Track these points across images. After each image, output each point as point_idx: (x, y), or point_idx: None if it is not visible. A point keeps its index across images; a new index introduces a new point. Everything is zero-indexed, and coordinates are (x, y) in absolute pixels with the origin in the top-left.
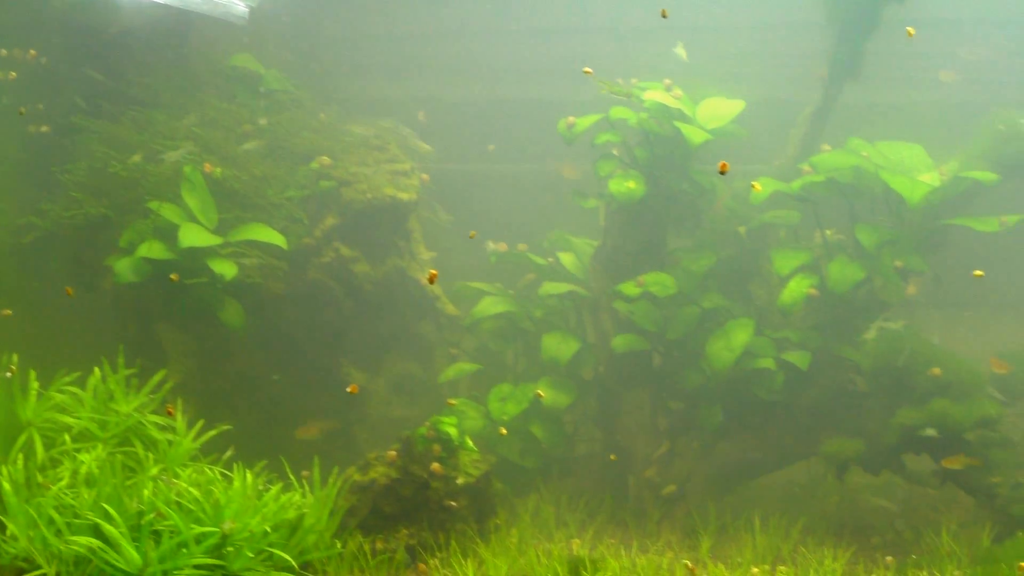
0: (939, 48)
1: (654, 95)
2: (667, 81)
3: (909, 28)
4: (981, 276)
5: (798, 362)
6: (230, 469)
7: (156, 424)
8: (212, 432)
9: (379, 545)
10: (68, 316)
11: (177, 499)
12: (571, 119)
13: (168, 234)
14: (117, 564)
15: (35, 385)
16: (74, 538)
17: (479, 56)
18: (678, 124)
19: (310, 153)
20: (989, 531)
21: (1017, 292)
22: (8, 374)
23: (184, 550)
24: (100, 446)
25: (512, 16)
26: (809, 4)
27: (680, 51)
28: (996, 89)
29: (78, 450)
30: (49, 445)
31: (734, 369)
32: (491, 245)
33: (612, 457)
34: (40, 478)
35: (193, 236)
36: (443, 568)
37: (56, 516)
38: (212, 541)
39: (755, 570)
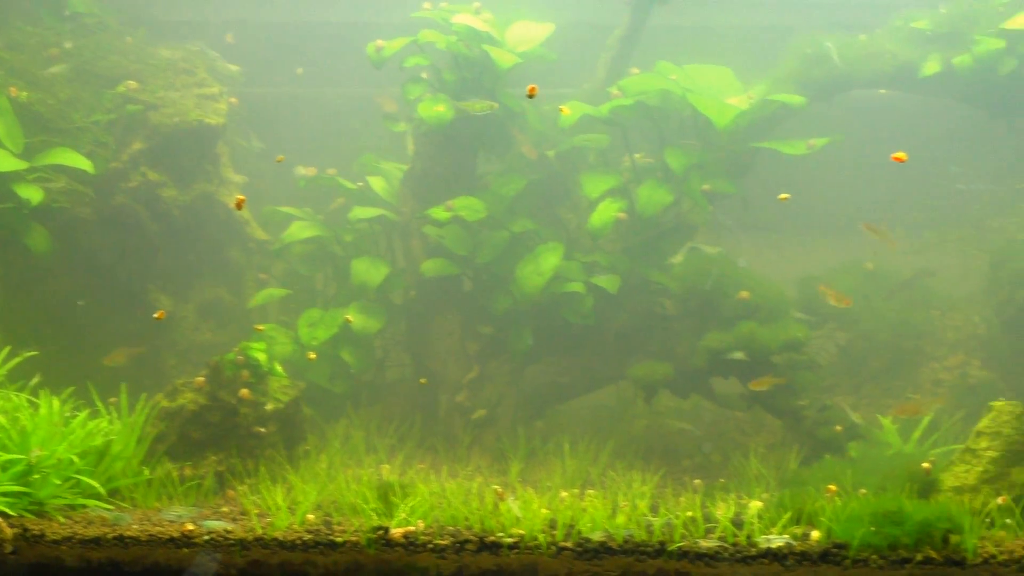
0: None
1: (463, 18)
2: (476, 4)
3: None
4: (787, 199)
5: (607, 286)
6: (36, 396)
7: None
8: (17, 359)
9: (188, 471)
10: None
11: None
12: (380, 42)
13: None
14: None
15: None
16: None
17: None
18: (487, 48)
19: (117, 77)
20: (796, 454)
21: (823, 215)
22: None
23: None
24: None
25: None
26: None
27: None
28: (805, 11)
29: None
30: None
31: (544, 293)
32: (300, 169)
33: (422, 381)
34: None
35: None
36: (252, 494)
37: None
38: (18, 468)
39: (564, 494)
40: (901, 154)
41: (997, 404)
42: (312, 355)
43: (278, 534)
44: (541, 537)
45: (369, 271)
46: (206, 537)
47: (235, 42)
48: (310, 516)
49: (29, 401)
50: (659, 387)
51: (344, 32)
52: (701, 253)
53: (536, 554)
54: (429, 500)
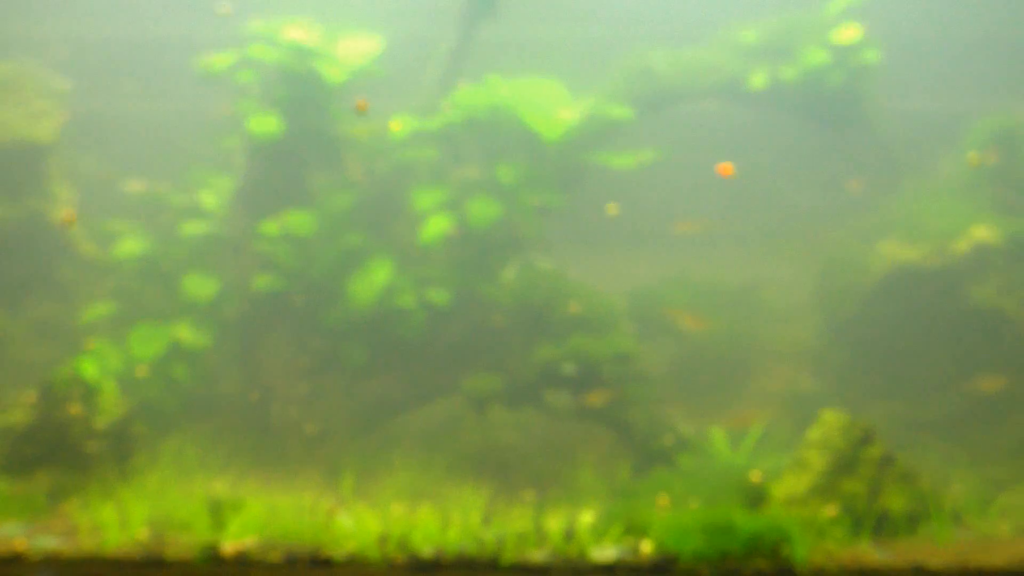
0: None
1: (293, 34)
2: (306, 20)
3: None
4: (616, 212)
5: (439, 299)
6: None
7: None
8: None
9: (19, 488)
10: None
11: None
12: (210, 58)
13: None
14: None
15: None
16: None
17: None
18: (316, 63)
19: None
20: (627, 465)
21: (654, 227)
22: None
23: None
24: None
25: None
26: None
27: None
28: (635, 24)
29: None
30: None
31: (375, 307)
32: (132, 185)
33: (254, 396)
34: None
35: None
36: (84, 511)
37: None
38: None
39: (397, 508)
40: (727, 166)
41: (826, 415)
42: (144, 371)
43: (109, 551)
44: (374, 552)
45: (200, 287)
46: (38, 556)
47: (69, 57)
48: (142, 532)
49: None
50: (491, 400)
51: (177, 48)
52: (532, 267)
53: (369, 569)
54: (261, 515)
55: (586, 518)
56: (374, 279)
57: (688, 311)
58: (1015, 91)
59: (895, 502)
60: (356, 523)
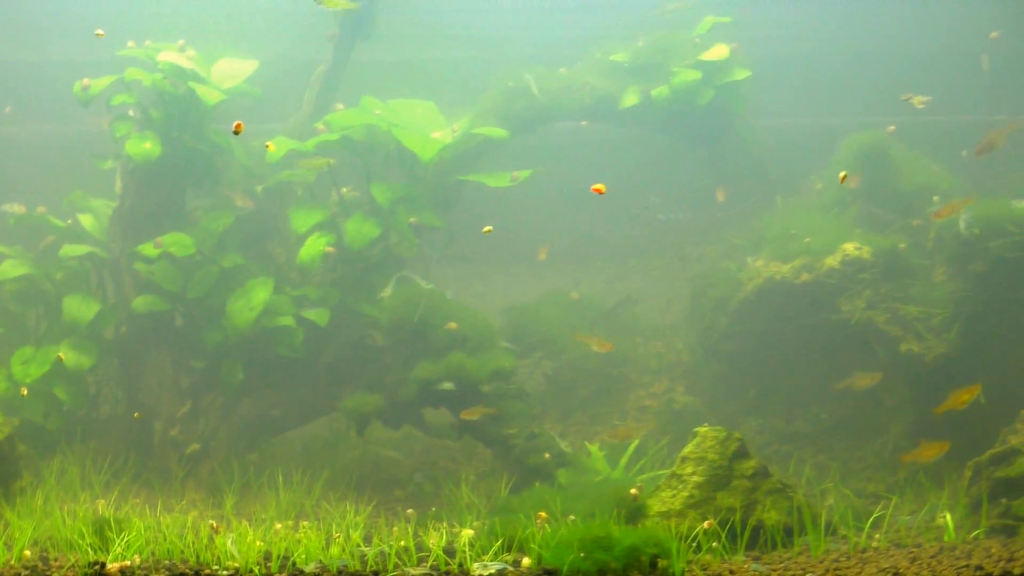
0: (454, 5)
1: (168, 56)
2: (181, 42)
3: None
4: (490, 231)
5: (317, 319)
6: None
7: None
8: None
9: None
10: None
11: None
12: (86, 81)
13: None
14: None
15: None
16: None
17: None
18: (192, 85)
19: None
20: (507, 482)
21: (529, 245)
22: None
23: None
24: None
25: None
26: None
27: None
28: (508, 45)
29: None
30: None
31: (254, 327)
32: (8, 207)
33: (136, 416)
34: None
35: None
36: None
37: None
38: None
39: (279, 526)
40: (600, 186)
41: (701, 430)
42: (24, 392)
43: None
44: (256, 570)
45: (80, 308)
46: None
47: None
48: (27, 552)
49: None
50: (371, 418)
51: (52, 70)
52: (410, 285)
53: None
54: (145, 534)
55: (467, 534)
56: (253, 299)
57: (593, 335)
58: (884, 108)
59: (770, 515)
60: (238, 541)
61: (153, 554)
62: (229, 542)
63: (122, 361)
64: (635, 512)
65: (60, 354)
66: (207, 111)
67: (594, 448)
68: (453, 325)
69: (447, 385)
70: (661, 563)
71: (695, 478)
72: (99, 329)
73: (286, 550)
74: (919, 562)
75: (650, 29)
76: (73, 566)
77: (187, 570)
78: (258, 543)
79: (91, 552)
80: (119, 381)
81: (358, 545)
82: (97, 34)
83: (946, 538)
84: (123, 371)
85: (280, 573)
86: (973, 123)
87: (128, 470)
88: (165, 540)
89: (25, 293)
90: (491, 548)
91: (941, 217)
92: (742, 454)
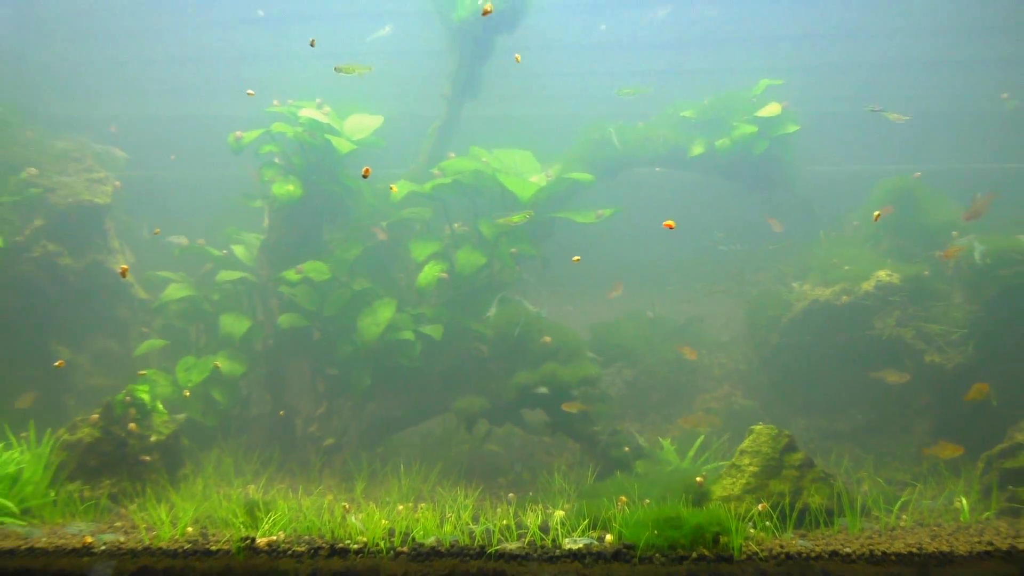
0: (547, 68)
1: (308, 112)
2: (319, 100)
3: (517, 55)
4: (579, 260)
5: (433, 333)
6: None
7: None
8: None
9: (86, 493)
10: None
11: None
12: (239, 133)
13: None
14: None
15: None
16: None
17: (163, 78)
18: (328, 136)
19: (19, 165)
20: (592, 471)
21: (612, 272)
22: None
23: None
24: None
25: (190, 44)
26: (437, 34)
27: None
28: (592, 103)
29: None
30: None
31: (380, 340)
32: (174, 239)
33: (281, 414)
34: None
35: None
36: (141, 512)
37: None
38: None
39: (400, 507)
40: (671, 222)
41: (756, 427)
42: (187, 394)
43: (163, 544)
44: (382, 544)
45: (234, 324)
46: (102, 547)
47: (118, 132)
48: (189, 529)
49: None
50: (477, 417)
51: (211, 124)
52: (511, 305)
53: (378, 558)
54: (288, 514)
55: (558, 515)
56: (379, 316)
57: (686, 345)
58: (910, 156)
59: (814, 500)
60: (366, 520)
61: (295, 531)
62: (358, 521)
63: (269, 369)
64: (700, 497)
65: (217, 363)
66: (341, 159)
67: (666, 443)
68: (547, 339)
69: (542, 389)
70: (722, 539)
71: (751, 468)
72: (249, 342)
73: (407, 527)
74: (939, 539)
75: (714, 89)
76: (228, 540)
77: (323, 544)
78: (383, 522)
79: (243, 529)
80: (266, 385)
81: (467, 524)
82: (248, 94)
83: (962, 519)
84: (269, 377)
85: (402, 546)
86: (987, 170)
87: (273, 461)
88: (305, 519)
89: (187, 312)
90: (579, 526)
91: (949, 257)
92: (791, 448)
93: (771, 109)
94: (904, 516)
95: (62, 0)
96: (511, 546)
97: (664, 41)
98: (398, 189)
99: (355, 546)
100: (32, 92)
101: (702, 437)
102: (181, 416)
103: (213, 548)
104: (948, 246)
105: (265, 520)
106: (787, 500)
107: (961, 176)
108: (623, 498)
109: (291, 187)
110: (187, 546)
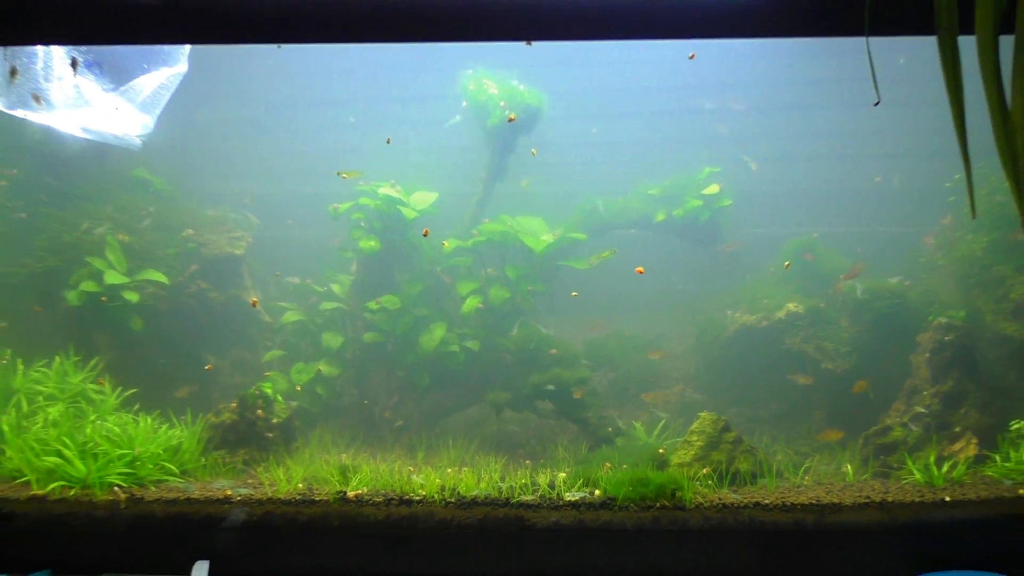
0: (554, 158)
1: (384, 190)
2: (392, 181)
3: (533, 150)
4: (576, 295)
5: (472, 347)
6: (137, 415)
7: (94, 390)
8: (127, 394)
9: (227, 460)
10: (39, 326)
11: (107, 434)
12: (336, 204)
13: (97, 276)
14: (72, 473)
15: (20, 367)
16: (46, 458)
17: (282, 165)
18: (399, 207)
19: (181, 227)
20: (585, 445)
21: (600, 303)
22: (4, 361)
23: (111, 464)
24: (60, 403)
25: (300, 141)
26: (477, 133)
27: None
28: (587, 182)
29: (47, 406)
30: (31, 403)
31: (434, 352)
32: (290, 279)
33: (365, 403)
34: (25, 422)
35: (113, 277)
36: (265, 473)
37: (35, 445)
38: (127, 459)
39: (450, 470)
40: (640, 268)
41: (702, 414)
42: (299, 389)
43: (280, 496)
44: (436, 496)
45: (332, 340)
46: (238, 498)
47: (250, 203)
48: (299, 485)
49: (133, 419)
50: (504, 406)
51: (314, 198)
52: (528, 327)
53: (433, 506)
54: (369, 475)
55: (561, 476)
56: (434, 334)
57: (659, 351)
58: (815, 222)
59: (743, 466)
60: (425, 479)
61: (374, 486)
62: (419, 479)
63: (356, 371)
64: (662, 463)
65: (320, 367)
66: (407, 223)
67: (638, 425)
68: (554, 351)
69: (550, 387)
70: (678, 494)
71: (698, 443)
72: (342, 352)
73: (454, 484)
74: (832, 493)
75: (672, 172)
76: (327, 493)
77: (394, 496)
78: (437, 480)
79: (337, 485)
80: (354, 383)
81: (496, 482)
82: (341, 175)
83: (848, 480)
84: (357, 377)
85: (451, 498)
86: (871, 233)
87: (359, 437)
88: (381, 478)
89: (299, 331)
90: (576, 484)
91: (841, 287)
92: (727, 428)
93: (712, 189)
94: (807, 478)
95: (217, 109)
96: (528, 498)
97: (640, 139)
98: (448, 244)
99: (417, 497)
100: (191, 175)
101: (663, 421)
102: (294, 404)
103: (316, 499)
104: (837, 285)
105: (353, 479)
106: (723, 466)
107: (851, 236)
108: (607, 464)
109: (373, 243)
110: (297, 497)
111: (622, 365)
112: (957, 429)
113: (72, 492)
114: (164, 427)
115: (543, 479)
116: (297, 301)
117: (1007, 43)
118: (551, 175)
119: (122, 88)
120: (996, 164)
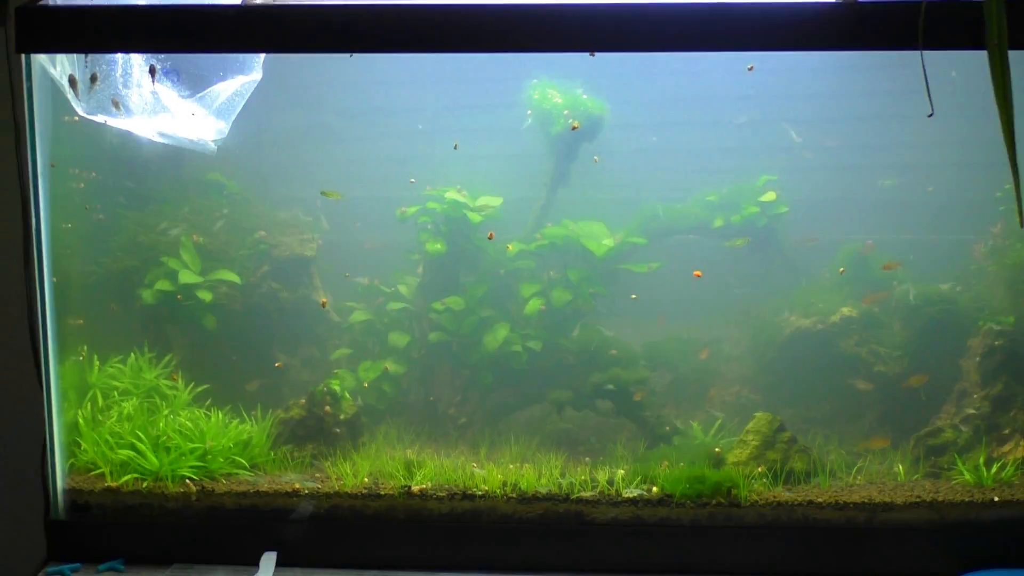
0: (615, 165)
1: (451, 195)
2: (458, 186)
3: (596, 157)
4: (636, 298)
5: (535, 347)
6: (209, 410)
7: (167, 385)
8: (199, 389)
9: (295, 454)
10: (115, 324)
11: (179, 429)
12: (404, 208)
13: (172, 276)
14: (144, 466)
15: (96, 363)
16: (120, 451)
17: (352, 171)
18: (464, 211)
19: (253, 229)
20: (643, 443)
21: (659, 305)
22: (81, 357)
23: (183, 458)
24: (135, 398)
25: (370, 149)
26: (540, 140)
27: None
28: (648, 188)
29: (122, 401)
30: (106, 398)
31: (498, 351)
32: (361, 280)
33: (430, 399)
34: (100, 416)
35: (187, 276)
36: (332, 467)
37: (109, 438)
38: (199, 452)
39: (512, 466)
40: (698, 272)
41: (757, 414)
42: (366, 385)
43: (347, 490)
44: (498, 491)
45: (398, 339)
46: (306, 491)
47: (322, 206)
48: (365, 479)
49: (204, 414)
50: (565, 405)
51: (382, 202)
52: (589, 328)
53: (495, 500)
54: (433, 470)
55: (620, 473)
56: (497, 335)
57: (705, 348)
58: (869, 229)
59: (797, 465)
60: (488, 474)
61: (438, 481)
62: (482, 474)
63: (422, 369)
64: (718, 462)
65: (386, 365)
66: (473, 227)
67: (695, 424)
68: (614, 352)
69: (610, 386)
70: (734, 492)
71: (754, 442)
72: (409, 351)
73: (515, 480)
74: (884, 493)
75: (730, 180)
76: (392, 487)
77: (457, 491)
78: (499, 476)
79: (402, 479)
80: (420, 381)
81: (557, 478)
82: (411, 181)
83: (899, 480)
84: (423, 375)
85: (512, 493)
86: (923, 240)
87: (423, 434)
88: (445, 473)
89: (366, 329)
90: (634, 481)
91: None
92: (781, 429)
93: (769, 196)
94: (859, 477)
95: (290, 116)
96: (587, 494)
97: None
98: (512, 248)
99: (479, 492)
100: (265, 179)
101: (720, 420)
102: (361, 402)
103: (382, 493)
104: (888, 292)
105: (417, 473)
106: (778, 465)
107: (904, 243)
108: (665, 462)
109: (439, 246)
110: (364, 491)
111: (679, 366)
112: (1006, 431)
113: (145, 484)
114: (235, 422)
115: (602, 476)
116: (365, 302)
117: None
118: (613, 181)
119: (198, 95)
120: None
